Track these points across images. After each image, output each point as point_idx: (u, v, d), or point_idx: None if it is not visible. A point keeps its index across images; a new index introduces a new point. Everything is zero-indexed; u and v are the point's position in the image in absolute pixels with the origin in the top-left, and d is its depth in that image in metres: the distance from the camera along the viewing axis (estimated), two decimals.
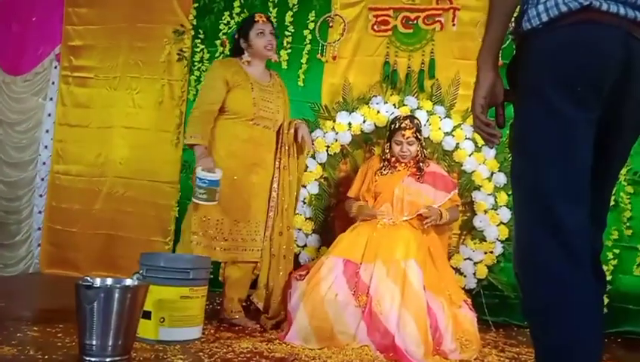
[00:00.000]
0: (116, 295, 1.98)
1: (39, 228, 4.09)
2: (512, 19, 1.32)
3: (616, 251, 3.10)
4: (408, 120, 2.91)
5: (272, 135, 2.79)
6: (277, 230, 2.75)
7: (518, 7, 1.28)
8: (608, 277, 3.06)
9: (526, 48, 1.25)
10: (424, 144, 2.96)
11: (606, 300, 3.02)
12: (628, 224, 3.12)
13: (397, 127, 2.90)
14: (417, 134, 2.89)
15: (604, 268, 3.05)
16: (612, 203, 3.10)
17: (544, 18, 1.20)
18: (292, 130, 2.81)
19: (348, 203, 3.02)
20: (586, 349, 1.16)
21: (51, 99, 4.15)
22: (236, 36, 2.81)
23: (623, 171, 3.10)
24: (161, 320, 2.28)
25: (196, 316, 2.38)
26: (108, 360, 1.94)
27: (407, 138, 2.86)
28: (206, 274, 2.46)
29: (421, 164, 2.89)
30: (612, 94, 1.19)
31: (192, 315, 2.36)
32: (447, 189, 2.88)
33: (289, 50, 3.67)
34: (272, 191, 2.76)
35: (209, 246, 2.61)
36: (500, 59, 1.37)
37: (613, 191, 3.12)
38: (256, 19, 2.71)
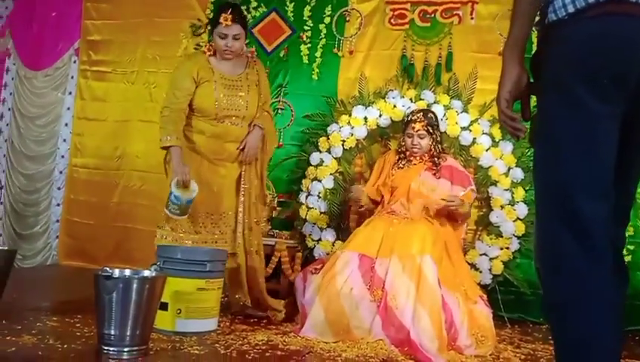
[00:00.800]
0: (134, 285, 1.99)
1: (57, 221, 4.15)
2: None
3: (631, 247, 3.05)
4: (421, 113, 2.91)
5: (240, 130, 2.64)
6: (247, 225, 2.66)
7: None
8: None
9: (551, 40, 1.23)
10: (439, 139, 2.93)
11: None
12: None
13: (409, 119, 2.92)
14: (430, 128, 2.87)
15: None
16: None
17: (570, 9, 1.18)
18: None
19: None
20: (604, 345, 1.15)
21: (70, 93, 4.20)
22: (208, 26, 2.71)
23: None
24: (178, 311, 2.30)
25: (212, 308, 2.40)
26: (126, 349, 1.96)
27: (417, 131, 2.85)
28: (222, 267, 2.48)
29: (436, 158, 2.87)
30: (638, 88, 1.17)
31: (208, 307, 2.38)
32: (464, 185, 2.86)
33: (309, 45, 3.67)
34: (242, 184, 2.66)
35: (178, 240, 2.56)
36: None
37: None
38: (220, 21, 2.52)
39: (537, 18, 1.28)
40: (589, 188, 1.16)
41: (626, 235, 3.18)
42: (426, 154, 2.89)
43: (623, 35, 1.15)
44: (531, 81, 1.32)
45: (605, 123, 1.17)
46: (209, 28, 2.65)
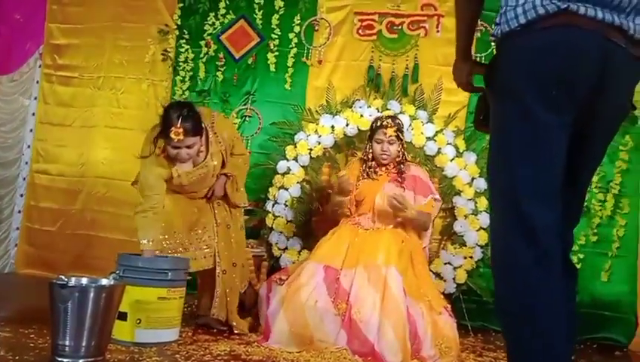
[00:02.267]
0: (91, 294, 1.95)
1: (17, 228, 4.03)
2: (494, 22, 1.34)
3: (581, 256, 3.13)
4: (390, 119, 2.92)
5: (210, 182, 2.68)
6: (233, 239, 2.69)
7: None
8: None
9: (503, 50, 1.26)
10: (405, 146, 2.95)
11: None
12: (595, 230, 3.17)
13: (379, 125, 2.90)
14: (399, 134, 2.88)
15: None
16: (584, 209, 3.15)
17: (522, 20, 1.21)
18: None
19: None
20: (556, 349, 1.17)
21: (35, 98, 4.11)
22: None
23: (595, 178, 3.15)
24: (138, 321, 2.25)
25: (174, 317, 2.36)
26: (81, 361, 1.91)
27: (388, 136, 2.84)
28: (184, 276, 2.44)
29: (402, 165, 2.88)
30: (588, 97, 1.21)
31: (169, 317, 2.33)
32: (425, 195, 2.84)
33: (276, 53, 3.67)
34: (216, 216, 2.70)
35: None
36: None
37: (586, 198, 3.20)
38: (172, 137, 2.36)
39: (492, 30, 1.32)
40: (539, 195, 1.20)
41: (578, 244, 3.28)
42: (392, 163, 2.90)
43: (572, 47, 1.19)
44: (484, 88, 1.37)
45: (554, 132, 1.21)
46: (159, 131, 2.44)
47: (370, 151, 2.92)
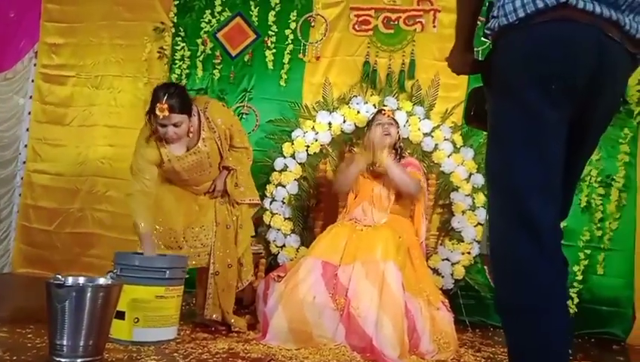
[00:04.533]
0: (88, 294, 1.94)
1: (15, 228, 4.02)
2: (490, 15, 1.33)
3: (587, 252, 3.13)
4: (384, 107, 3.04)
5: (211, 175, 2.64)
6: (224, 261, 2.62)
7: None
8: (579, 278, 3.11)
9: (501, 45, 1.25)
10: (401, 137, 3.02)
11: (576, 299, 3.07)
12: (598, 225, 3.16)
13: (376, 112, 3.00)
14: (395, 120, 2.98)
15: (576, 268, 3.10)
16: (584, 204, 3.14)
17: (520, 14, 1.20)
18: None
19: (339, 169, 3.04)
20: (556, 344, 1.17)
21: (31, 97, 4.09)
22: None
23: (595, 173, 3.15)
24: (136, 320, 2.24)
25: (172, 316, 2.35)
26: (79, 361, 1.90)
27: (388, 117, 2.93)
28: (182, 274, 2.43)
29: (399, 158, 2.92)
30: (585, 93, 1.20)
31: (167, 315, 2.32)
32: (416, 169, 2.92)
33: (274, 50, 3.66)
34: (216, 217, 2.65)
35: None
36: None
37: (586, 193, 3.19)
38: (157, 113, 2.34)
39: (489, 24, 1.31)
40: (539, 189, 1.20)
41: (583, 240, 3.28)
42: (389, 155, 2.91)
43: (570, 41, 1.18)
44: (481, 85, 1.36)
45: (554, 126, 1.21)
46: (147, 114, 2.43)
47: (369, 140, 2.95)
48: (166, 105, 2.33)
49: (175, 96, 2.38)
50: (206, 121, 2.55)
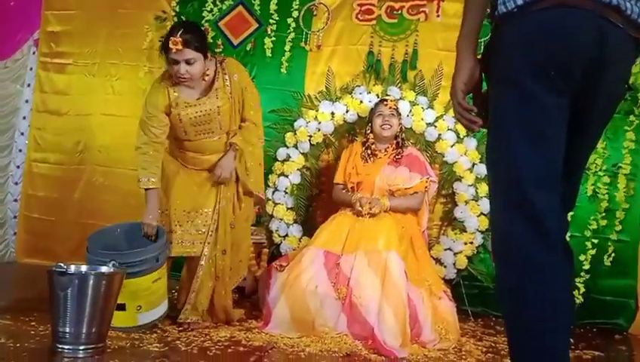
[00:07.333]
0: (91, 281, 1.94)
1: (15, 217, 4.01)
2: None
3: (595, 241, 3.13)
4: (387, 98, 3.01)
5: (218, 142, 2.48)
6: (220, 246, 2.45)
7: None
8: (586, 267, 3.10)
9: (500, 32, 1.24)
10: (403, 126, 3.00)
11: (582, 289, 3.06)
12: (604, 214, 3.13)
13: (378, 101, 2.99)
14: (397, 110, 2.95)
15: (583, 257, 3.08)
16: (590, 193, 3.13)
17: (519, 1, 1.19)
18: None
19: (336, 190, 2.99)
20: (557, 331, 1.17)
21: (29, 85, 4.07)
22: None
23: (600, 162, 3.13)
24: (138, 308, 2.25)
25: (164, 291, 2.36)
26: (82, 348, 1.91)
27: (389, 108, 2.90)
28: (167, 251, 2.38)
29: (400, 149, 2.90)
30: (585, 79, 1.19)
31: (162, 293, 2.34)
32: (421, 173, 2.88)
33: (273, 39, 3.64)
34: (217, 201, 2.47)
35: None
36: None
37: (592, 182, 3.17)
38: (170, 47, 2.26)
39: (489, 10, 1.30)
40: (540, 177, 1.19)
41: (590, 229, 3.26)
42: (390, 146, 2.90)
43: (569, 28, 1.17)
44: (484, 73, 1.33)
45: (554, 114, 1.20)
46: (162, 52, 2.36)
47: (370, 132, 2.94)
48: (180, 39, 2.25)
49: (191, 32, 2.32)
50: (222, 73, 2.44)
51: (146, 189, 2.36)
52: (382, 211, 2.71)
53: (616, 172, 3.12)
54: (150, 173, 2.35)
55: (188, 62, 2.31)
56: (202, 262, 2.44)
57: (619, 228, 3.10)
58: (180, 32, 2.27)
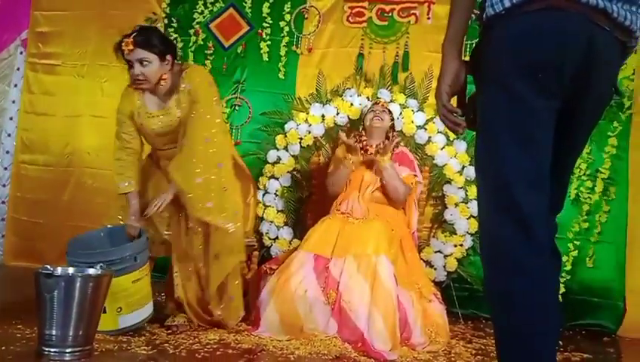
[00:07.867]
0: (78, 284, 1.93)
1: (2, 219, 3.97)
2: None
3: (577, 243, 3.15)
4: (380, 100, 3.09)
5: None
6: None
7: None
8: (568, 268, 3.12)
9: (489, 34, 1.25)
10: (395, 126, 3.04)
11: (563, 290, 3.07)
12: (585, 217, 3.16)
13: (371, 104, 3.06)
14: (388, 110, 3.00)
15: (565, 258, 3.10)
16: (574, 196, 3.15)
17: (507, 4, 1.20)
18: None
19: (329, 174, 2.99)
20: (545, 334, 1.17)
21: (16, 85, 4.02)
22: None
23: (584, 166, 3.16)
24: (119, 309, 2.21)
25: (148, 293, 2.33)
26: (68, 351, 1.89)
27: (382, 105, 2.97)
28: (148, 252, 2.36)
29: (391, 135, 2.93)
30: (574, 82, 1.20)
31: (144, 294, 2.30)
32: (410, 169, 2.91)
33: (268, 42, 3.63)
34: None
35: (150, 238, 2.39)
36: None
37: (575, 186, 3.19)
38: (122, 47, 2.25)
39: (478, 12, 1.30)
40: (528, 180, 1.19)
41: (572, 231, 3.28)
42: (382, 143, 2.90)
43: (557, 30, 1.17)
44: (470, 76, 1.34)
45: (543, 116, 1.20)
46: (117, 54, 2.32)
47: (363, 132, 2.98)
48: (131, 40, 2.24)
49: (144, 33, 2.30)
50: (182, 82, 2.36)
51: (126, 193, 2.37)
52: (386, 153, 2.77)
53: (597, 176, 3.15)
54: (126, 177, 2.37)
55: (141, 63, 2.28)
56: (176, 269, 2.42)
57: (602, 230, 3.12)
58: (133, 35, 2.27)
